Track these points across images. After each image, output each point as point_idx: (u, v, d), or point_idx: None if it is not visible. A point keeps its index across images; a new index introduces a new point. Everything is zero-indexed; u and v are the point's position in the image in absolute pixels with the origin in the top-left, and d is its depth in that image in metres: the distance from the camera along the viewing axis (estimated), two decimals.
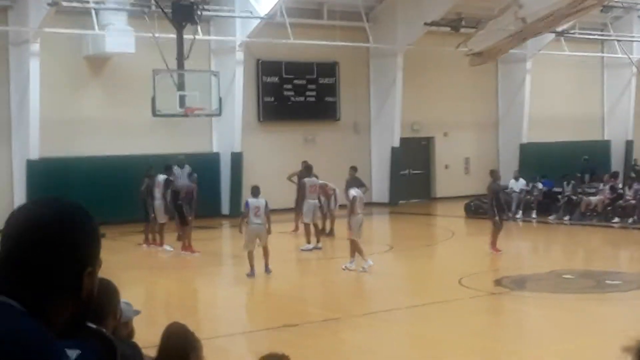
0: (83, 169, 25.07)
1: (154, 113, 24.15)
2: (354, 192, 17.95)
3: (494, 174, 20.39)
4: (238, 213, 27.67)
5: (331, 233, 22.63)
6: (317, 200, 21.45)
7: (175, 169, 21.60)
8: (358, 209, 17.56)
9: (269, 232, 17.20)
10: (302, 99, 30.08)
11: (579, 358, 10.63)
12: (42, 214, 2.13)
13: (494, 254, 19.15)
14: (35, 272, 2.08)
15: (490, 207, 19.94)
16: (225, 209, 28.04)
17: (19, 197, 24.03)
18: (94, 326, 3.91)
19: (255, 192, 17.47)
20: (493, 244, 19.36)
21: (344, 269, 17.18)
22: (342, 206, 20.85)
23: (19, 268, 2.07)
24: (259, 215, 16.97)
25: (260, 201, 17.12)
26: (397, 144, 31.26)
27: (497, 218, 19.45)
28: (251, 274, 16.68)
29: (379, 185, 31.20)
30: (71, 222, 2.13)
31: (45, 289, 2.09)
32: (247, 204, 17.38)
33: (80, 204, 2.21)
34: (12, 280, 2.07)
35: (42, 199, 2.19)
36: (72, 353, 3.80)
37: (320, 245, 20.61)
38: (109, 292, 4.37)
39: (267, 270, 16.90)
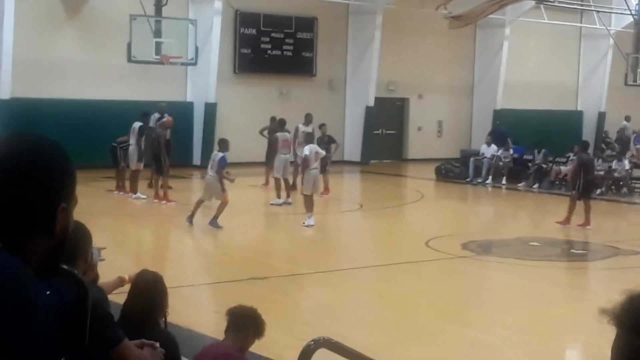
0: (55, 111, 24.83)
1: (129, 59, 23.95)
2: (306, 151, 17.98)
3: (585, 144, 19.12)
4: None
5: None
6: (288, 155, 21.41)
7: (153, 116, 21.56)
8: (311, 164, 17.60)
9: (221, 188, 17.00)
10: (279, 52, 29.92)
11: (540, 325, 10.76)
12: (16, 147, 2.10)
13: (564, 226, 18.08)
14: (8, 206, 2.05)
15: (573, 181, 18.73)
16: (197, 159, 27.94)
17: None
18: (65, 267, 3.90)
19: (219, 144, 17.74)
20: (567, 220, 18.12)
21: (303, 225, 17.28)
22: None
23: None
24: (213, 167, 17.13)
25: (216, 154, 17.26)
26: (371, 103, 31.23)
27: (574, 192, 18.20)
28: (189, 221, 16.73)
29: (352, 144, 31.20)
30: (45, 157, 2.11)
31: (19, 224, 2.06)
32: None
33: (56, 141, 2.19)
34: None
35: (17, 133, 2.17)
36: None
37: (290, 200, 20.61)
38: (81, 234, 4.35)
39: (212, 222, 16.61)
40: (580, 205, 18.07)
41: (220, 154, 17.20)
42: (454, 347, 9.62)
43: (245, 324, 5.67)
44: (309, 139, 18.91)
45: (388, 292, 12.32)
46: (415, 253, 14.97)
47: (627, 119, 34.83)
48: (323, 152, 18.47)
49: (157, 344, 4.57)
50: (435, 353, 9.32)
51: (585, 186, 18.18)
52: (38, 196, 2.07)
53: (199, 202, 16.99)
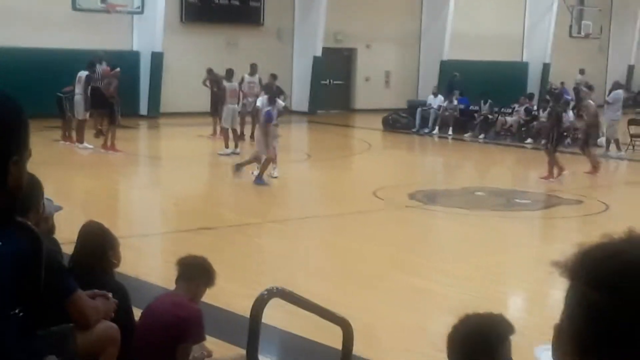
0: None
1: (74, 7, 23.59)
2: (258, 102, 17.90)
3: (557, 96, 19.07)
4: (156, 114, 27.49)
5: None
6: (236, 105, 21.37)
7: (97, 66, 21.24)
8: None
9: (266, 143, 16.64)
10: (226, 1, 29.63)
11: (484, 272, 10.96)
12: None
13: (546, 181, 17.90)
14: None
15: (547, 133, 18.57)
16: (143, 109, 27.71)
17: None
18: (19, 219, 3.90)
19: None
20: (550, 173, 17.99)
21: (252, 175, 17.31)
22: None
23: None
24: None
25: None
26: (319, 53, 31.15)
27: (549, 145, 18.04)
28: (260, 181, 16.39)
29: (299, 94, 31.17)
30: None
31: None
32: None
33: (5, 92, 2.18)
34: None
35: None
36: None
37: (238, 150, 20.61)
38: (32, 185, 4.33)
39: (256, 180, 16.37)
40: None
41: (267, 108, 16.80)
42: (401, 294, 9.78)
43: (195, 273, 5.71)
44: (266, 90, 18.80)
45: (337, 242, 12.45)
46: (364, 203, 15.10)
47: (582, 72, 35.19)
48: (282, 104, 18.30)
49: (110, 294, 4.61)
50: (383, 300, 9.47)
51: (558, 138, 18.35)
52: None
53: (267, 160, 16.56)
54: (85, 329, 4.22)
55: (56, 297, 4.03)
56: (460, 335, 3.58)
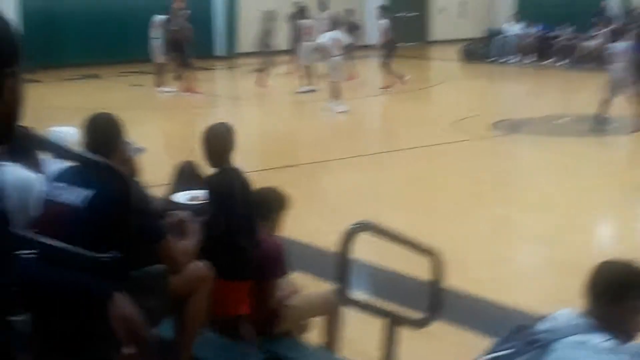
0: (74, 6, 24.59)
1: None
2: (324, 38, 17.82)
3: None
4: (233, 54, 27.50)
5: None
6: (313, 42, 21.23)
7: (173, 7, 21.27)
8: (334, 52, 17.45)
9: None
10: None
11: (573, 199, 10.81)
12: None
13: None
14: None
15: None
16: (220, 50, 27.71)
17: None
18: (106, 162, 3.95)
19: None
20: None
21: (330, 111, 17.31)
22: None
23: None
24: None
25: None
26: None
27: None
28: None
29: (374, 28, 30.76)
30: None
31: None
32: None
33: None
34: None
35: None
36: (86, 193, 3.86)
37: (315, 87, 20.57)
38: (114, 126, 4.33)
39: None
40: None
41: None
42: (486, 225, 9.72)
43: (270, 208, 5.57)
44: (333, 25, 18.70)
45: (419, 174, 12.39)
46: (444, 135, 14.97)
47: None
48: (346, 39, 18.22)
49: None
50: (468, 231, 9.41)
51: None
52: None
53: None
54: (176, 274, 4.25)
55: (148, 240, 4.08)
56: (604, 277, 3.58)
